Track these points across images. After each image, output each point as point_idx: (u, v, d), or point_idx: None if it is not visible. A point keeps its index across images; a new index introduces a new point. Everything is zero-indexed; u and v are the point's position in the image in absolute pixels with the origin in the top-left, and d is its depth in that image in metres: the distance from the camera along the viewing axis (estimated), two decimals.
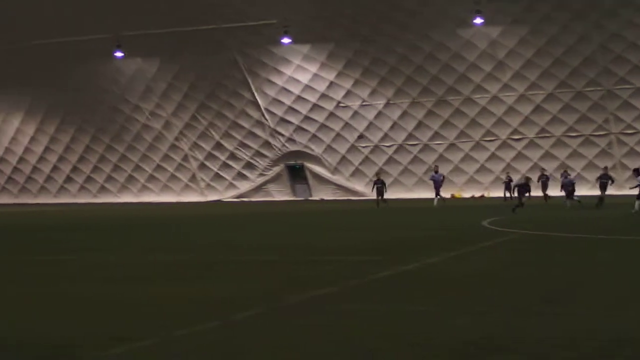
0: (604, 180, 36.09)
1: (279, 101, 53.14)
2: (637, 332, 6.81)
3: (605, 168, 38.51)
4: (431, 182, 40.90)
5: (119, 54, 53.17)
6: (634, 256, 13.55)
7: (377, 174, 42.06)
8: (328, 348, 6.29)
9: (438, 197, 38.91)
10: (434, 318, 7.63)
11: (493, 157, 50.44)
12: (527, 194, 30.62)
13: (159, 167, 57.41)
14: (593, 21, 46.30)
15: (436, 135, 51.17)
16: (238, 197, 54.78)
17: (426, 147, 51.47)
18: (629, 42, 46.56)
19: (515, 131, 49.90)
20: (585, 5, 45.61)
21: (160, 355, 6.22)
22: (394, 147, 52.00)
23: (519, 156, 49.94)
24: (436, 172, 41.13)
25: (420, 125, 51.31)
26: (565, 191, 34.48)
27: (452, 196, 49.94)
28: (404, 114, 51.40)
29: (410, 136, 51.61)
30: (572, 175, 41.63)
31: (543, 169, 44.93)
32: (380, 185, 38.38)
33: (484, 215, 26.44)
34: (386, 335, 6.77)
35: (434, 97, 50.46)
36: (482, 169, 50.69)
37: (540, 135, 49.54)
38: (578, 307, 8.27)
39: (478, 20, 47.49)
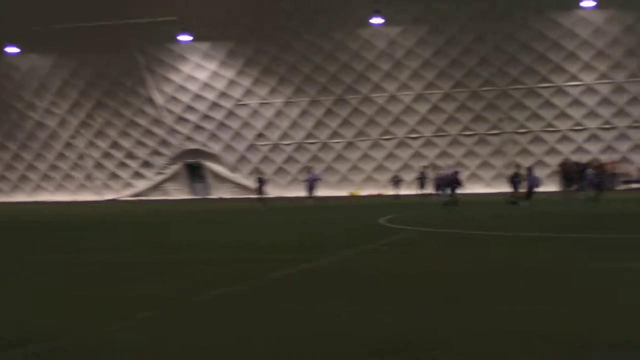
0: (516, 179, 36.37)
1: (178, 99, 52.66)
2: (542, 327, 6.89)
3: (517, 167, 38.94)
4: (323, 181, 41.22)
5: (11, 50, 51.77)
6: (529, 252, 13.54)
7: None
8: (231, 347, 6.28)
9: (311, 196, 38.92)
10: (336, 316, 7.56)
11: (391, 155, 51.01)
12: (453, 190, 30.81)
13: (53, 166, 56.00)
14: (489, 22, 47.49)
15: (335, 134, 51.47)
16: (135, 195, 53.84)
17: (325, 146, 51.71)
18: (522, 43, 47.94)
19: (412, 130, 50.61)
20: (482, 6, 46.81)
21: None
22: (293, 146, 52.05)
23: (416, 155, 50.66)
24: (309, 172, 41.67)
25: (319, 123, 51.57)
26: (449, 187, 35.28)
27: (351, 194, 50.26)
28: (304, 113, 51.61)
29: (309, 135, 51.76)
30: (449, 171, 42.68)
31: (425, 167, 45.88)
32: (260, 184, 38.34)
33: (381, 213, 26.52)
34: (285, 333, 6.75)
35: (333, 96, 50.83)
36: (380, 168, 51.18)
37: (436, 134, 50.39)
38: (482, 303, 8.25)
39: (377, 20, 48.12)
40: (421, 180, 43.02)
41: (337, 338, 6.49)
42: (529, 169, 34.10)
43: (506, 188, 40.81)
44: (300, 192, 47.86)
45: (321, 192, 47.44)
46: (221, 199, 51.52)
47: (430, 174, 40.72)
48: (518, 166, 37.68)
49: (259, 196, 36.75)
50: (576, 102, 48.79)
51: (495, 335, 6.58)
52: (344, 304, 8.22)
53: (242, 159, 53.07)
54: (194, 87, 52.23)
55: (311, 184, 39.30)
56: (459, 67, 49.14)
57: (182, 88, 52.38)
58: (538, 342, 6.24)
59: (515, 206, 29.44)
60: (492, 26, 47.66)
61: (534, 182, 32.10)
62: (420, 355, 5.94)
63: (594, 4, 46.77)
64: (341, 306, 8.07)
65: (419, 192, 42.28)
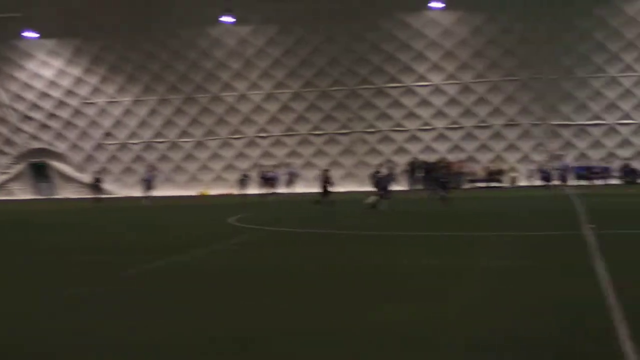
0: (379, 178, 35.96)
1: (23, 97, 51.32)
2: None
3: (380, 165, 38.64)
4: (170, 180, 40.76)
5: None
6: (376, 250, 13.95)
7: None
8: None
9: (147, 196, 38.64)
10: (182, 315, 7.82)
11: (240, 155, 50.50)
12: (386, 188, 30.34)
13: None
14: (338, 22, 47.62)
15: (184, 133, 50.78)
16: None
17: (174, 145, 50.96)
18: (372, 43, 48.18)
19: (262, 129, 50.25)
20: (332, 6, 46.94)
21: None
22: (142, 145, 51.14)
23: (266, 154, 50.26)
24: (150, 171, 41.23)
25: (168, 122, 50.81)
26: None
27: (200, 194, 49.49)
28: (152, 112, 50.83)
29: (158, 134, 50.95)
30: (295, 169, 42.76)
31: (270, 166, 45.74)
32: (97, 183, 37.70)
33: (231, 213, 26.36)
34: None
35: (182, 94, 50.20)
36: (229, 167, 50.59)
37: (286, 133, 50.12)
38: (325, 300, 8.63)
39: (227, 19, 47.84)
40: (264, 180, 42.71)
41: (171, 334, 6.90)
42: (389, 168, 33.86)
43: (356, 187, 41.12)
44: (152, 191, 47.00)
45: (169, 191, 46.59)
46: (67, 199, 50.18)
47: (255, 174, 40.74)
48: (381, 165, 37.71)
49: (96, 195, 36.41)
50: (424, 102, 49.12)
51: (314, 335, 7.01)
52: (184, 303, 8.62)
53: (89, 158, 51.84)
54: (39, 85, 51.03)
55: (149, 183, 39.11)
56: (308, 67, 49.11)
57: (27, 86, 51.12)
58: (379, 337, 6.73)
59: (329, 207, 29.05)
60: (342, 26, 47.83)
61: (381, 181, 31.16)
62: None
63: (442, 5, 47.35)
64: (184, 305, 8.47)
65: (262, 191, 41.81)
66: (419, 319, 7.72)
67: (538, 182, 48.18)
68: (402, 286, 9.79)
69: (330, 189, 29.76)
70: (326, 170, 29.22)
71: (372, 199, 27.99)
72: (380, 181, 29.15)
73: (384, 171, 33.24)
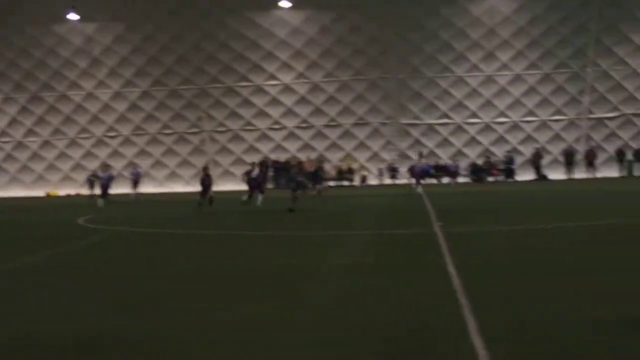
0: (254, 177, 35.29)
1: None
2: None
3: (253, 164, 38.09)
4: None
5: None
6: (238, 250, 14.01)
7: None
8: None
9: None
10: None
11: (88, 154, 50.00)
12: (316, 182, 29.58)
13: None
14: (187, 20, 47.54)
15: (30, 132, 50.13)
16: None
17: (20, 145, 50.24)
18: (221, 42, 48.18)
19: (110, 128, 49.83)
20: (181, 4, 46.87)
21: None
22: None
23: (115, 153, 49.85)
24: None
25: (13, 121, 50.08)
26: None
27: (48, 194, 48.84)
28: None
29: (2, 133, 50.18)
30: (141, 169, 42.54)
31: (135, 165, 45.50)
32: None
33: (80, 214, 26.00)
34: None
35: (27, 93, 49.54)
36: (77, 167, 50.04)
37: (135, 133, 49.78)
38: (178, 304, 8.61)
39: (73, 16, 47.41)
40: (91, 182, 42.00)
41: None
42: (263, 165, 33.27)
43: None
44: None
45: (15, 192, 45.87)
46: None
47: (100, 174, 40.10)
48: (253, 164, 37.23)
49: None
50: (275, 101, 49.40)
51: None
52: (30, 304, 8.57)
53: None
54: None
55: None
56: (157, 65, 48.91)
57: None
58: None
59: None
60: (191, 25, 47.76)
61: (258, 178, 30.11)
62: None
63: (289, 4, 47.60)
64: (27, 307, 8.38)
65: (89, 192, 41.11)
66: (271, 319, 7.72)
67: (388, 181, 48.68)
68: (256, 286, 9.80)
69: (210, 187, 28.49)
70: (206, 168, 28.22)
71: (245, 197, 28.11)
72: (255, 178, 28.77)
73: (256, 169, 33.00)
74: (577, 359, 6.12)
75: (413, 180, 40.15)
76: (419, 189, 36.42)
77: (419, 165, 42.84)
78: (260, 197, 27.74)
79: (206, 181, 27.00)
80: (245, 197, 28.29)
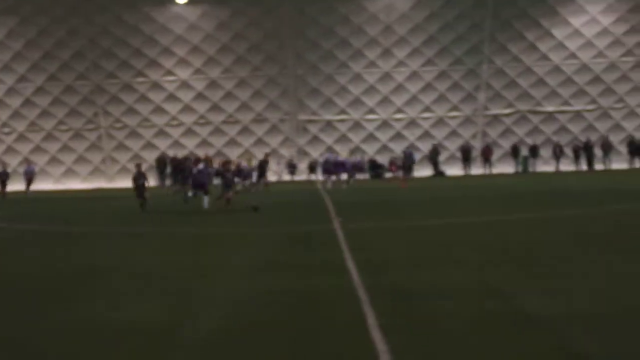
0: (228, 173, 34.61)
1: None
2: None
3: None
4: None
5: None
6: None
7: None
8: None
9: None
10: None
11: None
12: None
13: None
14: (82, 15, 47.44)
15: None
16: None
17: None
18: (118, 37, 48.16)
19: (4, 124, 49.50)
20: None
21: None
22: None
23: (9, 150, 49.49)
24: None
25: None
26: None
27: None
28: None
29: None
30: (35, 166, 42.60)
31: (30, 162, 45.36)
32: None
33: None
34: None
35: None
36: None
37: (30, 129, 49.50)
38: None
39: None
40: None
41: None
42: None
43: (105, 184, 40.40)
44: None
45: None
46: None
47: None
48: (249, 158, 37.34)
49: None
50: (172, 97, 49.33)
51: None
52: None
53: None
54: None
55: None
56: (52, 60, 48.69)
57: None
58: None
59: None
60: (87, 19, 47.71)
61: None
62: None
63: (186, 0, 47.77)
64: None
65: None
66: (162, 319, 7.76)
67: (287, 177, 48.91)
68: (148, 285, 9.90)
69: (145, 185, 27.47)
70: (139, 165, 26.97)
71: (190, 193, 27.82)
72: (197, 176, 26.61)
73: (201, 166, 32.54)
74: (469, 350, 6.34)
75: (320, 177, 40.44)
76: (329, 184, 36.46)
77: (348, 161, 43.02)
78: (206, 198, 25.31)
79: (139, 179, 25.38)
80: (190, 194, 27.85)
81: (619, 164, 48.36)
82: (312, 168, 48.72)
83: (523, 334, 6.80)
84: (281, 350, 6.54)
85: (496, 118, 49.56)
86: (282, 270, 10.93)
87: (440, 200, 25.70)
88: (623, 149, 48.85)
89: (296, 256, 12.51)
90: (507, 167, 48.94)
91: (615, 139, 49.03)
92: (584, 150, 48.49)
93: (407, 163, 48.30)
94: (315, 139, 49.62)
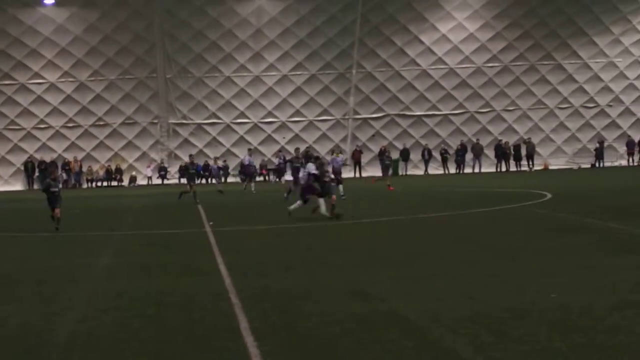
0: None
1: None
2: None
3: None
4: None
5: None
6: None
7: None
8: None
9: None
10: None
11: None
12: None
13: None
14: None
15: None
16: None
17: None
18: (13, 37, 48.44)
19: None
20: None
21: None
22: None
23: None
24: None
25: None
26: None
27: None
28: None
29: None
30: None
31: None
32: None
33: None
34: None
35: None
36: None
37: None
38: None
39: None
40: None
41: None
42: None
43: None
44: None
45: None
46: None
47: None
48: None
49: None
50: (40, 100, 49.92)
51: None
52: None
53: None
54: None
55: None
56: None
57: None
58: None
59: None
60: None
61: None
62: None
63: (52, 1, 48.49)
64: None
65: None
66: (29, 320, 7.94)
67: (158, 181, 49.85)
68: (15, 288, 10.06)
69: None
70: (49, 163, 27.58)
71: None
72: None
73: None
74: (341, 352, 6.65)
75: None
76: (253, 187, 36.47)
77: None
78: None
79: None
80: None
81: (485, 167, 50.41)
82: (182, 172, 49.65)
83: (391, 334, 7.08)
84: (147, 356, 6.62)
85: (366, 122, 51.27)
86: (150, 274, 11.14)
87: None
88: (490, 152, 50.91)
89: (165, 260, 12.69)
90: (376, 170, 50.55)
91: (482, 142, 51.05)
92: (456, 153, 50.39)
93: (279, 166, 49.53)
94: (186, 143, 50.63)
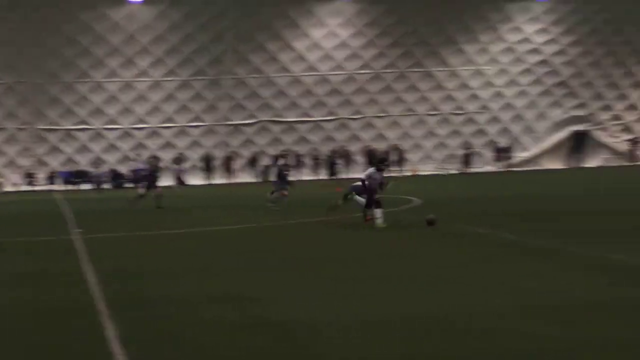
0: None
1: None
2: None
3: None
4: None
5: None
6: None
7: None
8: None
9: None
10: None
11: None
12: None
13: None
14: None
15: None
16: None
17: None
18: None
19: None
20: None
21: None
22: None
23: None
24: None
25: None
26: None
27: None
28: None
29: None
30: None
31: None
32: None
33: None
34: None
35: None
36: None
37: None
38: None
39: None
40: None
41: None
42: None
43: None
44: None
45: None
46: None
47: None
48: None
49: None
50: None
51: None
52: None
53: None
54: None
55: None
56: None
57: None
58: None
59: None
60: None
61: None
62: None
63: None
64: None
65: None
66: None
67: (25, 188, 49.80)
68: None
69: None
70: None
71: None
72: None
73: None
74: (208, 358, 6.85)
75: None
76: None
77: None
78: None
79: None
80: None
81: (356, 173, 51.80)
82: (51, 178, 49.93)
83: (264, 340, 7.32)
84: None
85: (237, 128, 52.24)
86: (13, 283, 11.17)
87: (184, 210, 27.39)
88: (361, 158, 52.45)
89: (30, 268, 12.68)
90: (247, 176, 51.66)
91: (354, 148, 52.52)
92: (327, 159, 51.67)
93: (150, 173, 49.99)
94: (54, 149, 50.76)
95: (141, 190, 29.55)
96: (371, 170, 18.83)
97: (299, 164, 51.79)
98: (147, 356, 6.90)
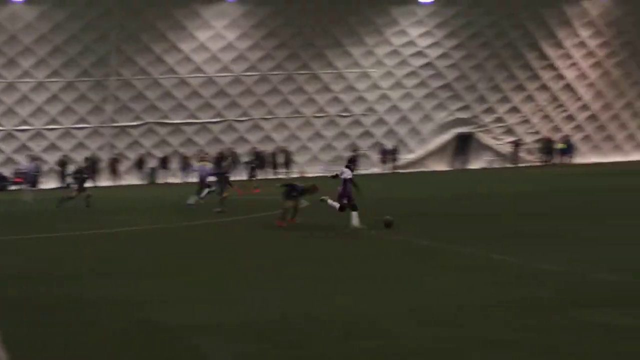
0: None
1: None
2: None
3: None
4: None
5: None
6: None
7: None
8: None
9: None
10: None
11: None
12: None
13: None
14: None
15: None
16: None
17: None
18: None
19: None
20: None
21: None
22: None
23: None
24: None
25: None
26: None
27: None
28: None
29: None
30: None
31: None
32: None
33: None
34: None
35: None
36: None
37: None
38: None
39: None
40: None
41: None
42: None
43: None
44: None
45: None
46: None
47: None
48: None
49: None
50: None
51: None
52: None
53: None
54: None
55: None
56: None
57: None
58: None
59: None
60: None
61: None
62: None
63: None
64: None
65: None
66: None
67: None
68: None
69: None
70: None
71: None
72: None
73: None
74: None
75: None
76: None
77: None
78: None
79: None
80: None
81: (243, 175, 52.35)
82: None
83: (156, 342, 7.58)
84: None
85: (123, 130, 52.34)
86: None
87: (78, 212, 27.50)
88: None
89: None
90: (133, 179, 51.82)
91: (241, 151, 53.10)
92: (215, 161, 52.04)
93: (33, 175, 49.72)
94: None
95: (73, 193, 30.46)
96: (345, 170, 19.58)
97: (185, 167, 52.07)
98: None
